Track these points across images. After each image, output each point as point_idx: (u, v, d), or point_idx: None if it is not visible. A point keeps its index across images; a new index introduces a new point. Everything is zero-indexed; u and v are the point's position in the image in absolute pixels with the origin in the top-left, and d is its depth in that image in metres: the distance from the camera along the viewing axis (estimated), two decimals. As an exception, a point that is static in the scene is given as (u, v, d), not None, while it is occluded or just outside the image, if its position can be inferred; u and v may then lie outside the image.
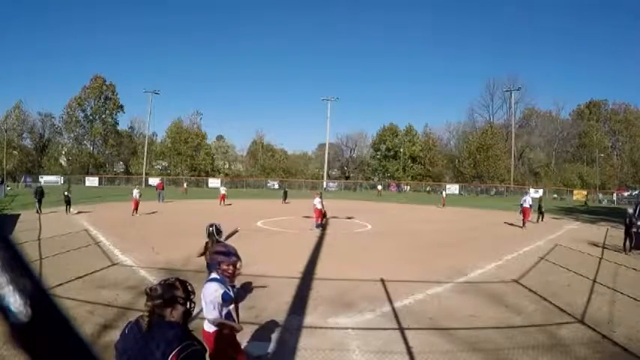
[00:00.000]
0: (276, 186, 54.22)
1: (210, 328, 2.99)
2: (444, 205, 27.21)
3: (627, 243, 11.20)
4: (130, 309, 5.35)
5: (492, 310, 5.92)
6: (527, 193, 21.66)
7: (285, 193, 28.19)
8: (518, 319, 5.59)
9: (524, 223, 16.47)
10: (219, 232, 5.24)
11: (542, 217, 18.59)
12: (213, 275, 3.05)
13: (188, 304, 1.97)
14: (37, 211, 16.11)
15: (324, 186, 51.53)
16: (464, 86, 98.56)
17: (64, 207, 17.07)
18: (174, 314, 1.92)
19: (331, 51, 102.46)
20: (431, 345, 4.66)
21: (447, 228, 15.99)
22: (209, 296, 2.93)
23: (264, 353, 4.37)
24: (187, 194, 33.26)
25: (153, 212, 18.58)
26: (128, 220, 15.74)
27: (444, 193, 30.55)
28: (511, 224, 17.36)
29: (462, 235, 13.90)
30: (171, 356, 1.75)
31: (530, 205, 17.01)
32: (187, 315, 1.98)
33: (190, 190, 40.71)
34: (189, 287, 2.02)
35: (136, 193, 17.92)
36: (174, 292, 1.96)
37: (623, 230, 11.93)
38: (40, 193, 16.66)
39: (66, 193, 17.48)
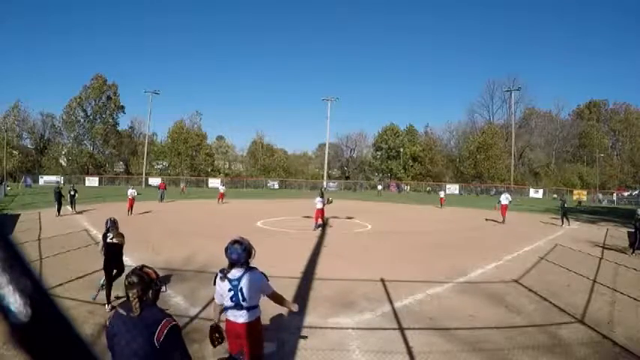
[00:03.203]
0: (276, 186, 54.24)
1: (251, 317, 2.98)
2: (442, 205, 27.16)
3: (636, 243, 10.96)
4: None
5: (492, 310, 5.92)
6: (504, 191, 23.35)
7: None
8: (518, 319, 5.60)
9: (502, 218, 17.89)
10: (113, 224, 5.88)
11: (565, 220, 17.67)
12: (252, 265, 3.09)
13: (158, 285, 2.34)
14: (59, 213, 15.92)
15: (325, 185, 51.50)
16: (464, 86, 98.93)
17: (70, 205, 17.25)
18: (151, 296, 2.27)
19: (331, 51, 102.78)
20: (431, 345, 4.66)
21: (447, 228, 15.99)
22: (259, 283, 3.01)
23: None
24: (186, 194, 33.13)
25: (153, 212, 18.57)
26: (128, 220, 15.73)
27: (441, 193, 30.23)
28: (493, 220, 17.91)
29: (462, 235, 13.90)
30: (160, 327, 2.10)
31: (508, 202, 18.45)
32: (158, 295, 2.35)
33: (190, 190, 40.70)
34: (156, 272, 2.39)
35: (130, 192, 17.88)
36: (150, 277, 2.29)
37: (627, 230, 11.82)
38: (59, 194, 16.33)
39: (71, 192, 17.57)
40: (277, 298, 3.17)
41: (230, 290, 2.94)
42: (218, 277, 3.02)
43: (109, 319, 2.26)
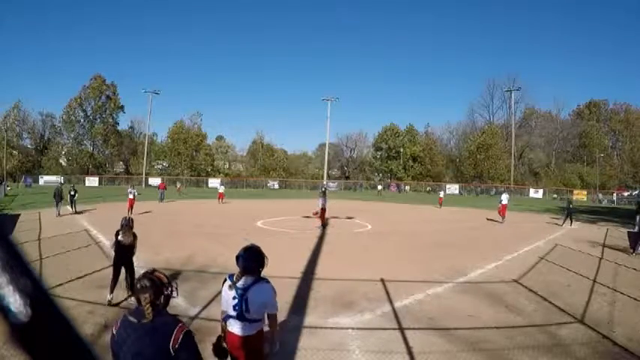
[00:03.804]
0: (276, 186, 54.23)
1: (251, 330, 2.83)
2: (440, 205, 27.12)
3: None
4: (130, 309, 5.34)
5: (492, 310, 5.92)
6: (504, 191, 23.27)
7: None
8: (518, 319, 5.59)
9: (502, 218, 18.09)
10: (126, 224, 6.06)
11: (567, 221, 17.58)
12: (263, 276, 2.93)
13: (169, 290, 2.24)
14: (59, 214, 15.97)
15: (325, 185, 51.50)
16: (464, 86, 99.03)
17: (70, 206, 17.26)
18: (162, 301, 2.17)
19: (331, 51, 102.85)
20: (431, 345, 4.66)
21: (447, 228, 15.99)
22: (269, 298, 2.86)
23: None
24: (182, 194, 32.92)
25: (153, 212, 18.57)
26: (128, 220, 15.72)
27: (441, 193, 30.07)
28: (493, 220, 18.11)
29: (462, 235, 13.90)
30: (174, 333, 2.03)
31: (499, 202, 18.76)
32: (169, 300, 2.26)
33: (190, 189, 40.67)
34: (167, 276, 2.30)
35: (130, 192, 17.92)
36: (162, 282, 2.20)
37: (627, 230, 11.81)
38: (59, 195, 16.33)
39: (71, 192, 17.56)
40: (273, 323, 2.97)
41: (235, 299, 2.79)
42: (226, 284, 2.88)
43: (114, 325, 2.16)
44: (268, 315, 2.94)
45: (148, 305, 2.08)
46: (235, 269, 2.90)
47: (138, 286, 2.16)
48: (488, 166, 56.25)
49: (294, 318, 5.40)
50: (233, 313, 2.82)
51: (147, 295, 2.10)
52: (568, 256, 10.24)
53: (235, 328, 2.82)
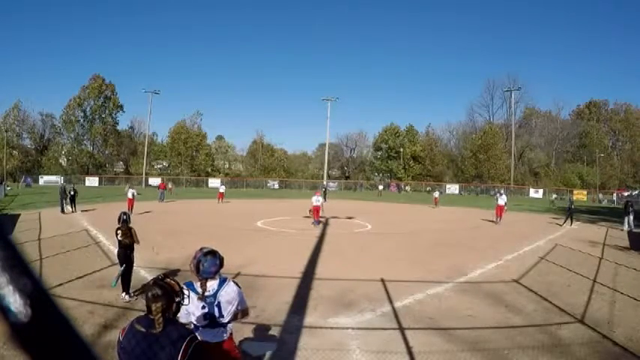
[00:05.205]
0: (276, 186, 54.24)
1: (227, 334, 2.74)
2: (436, 205, 26.99)
3: None
4: (130, 309, 5.35)
5: (492, 310, 5.92)
6: (500, 192, 23.21)
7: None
8: (518, 319, 5.59)
9: (498, 219, 17.70)
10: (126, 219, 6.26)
11: (568, 221, 17.64)
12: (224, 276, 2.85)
13: (181, 298, 2.15)
14: (62, 211, 16.34)
15: (325, 184, 51.49)
16: (464, 86, 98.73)
17: (70, 205, 17.38)
18: (173, 310, 2.08)
19: (331, 51, 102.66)
20: (431, 345, 4.66)
21: (447, 228, 15.99)
22: (240, 296, 2.79)
23: (263, 353, 4.37)
24: (173, 194, 32.67)
25: (153, 212, 18.57)
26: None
27: (436, 193, 29.63)
28: (492, 221, 18.12)
29: (462, 235, 13.90)
30: (184, 345, 1.94)
31: (504, 203, 17.95)
32: (179, 308, 2.16)
33: (189, 189, 40.58)
34: (179, 283, 2.21)
35: (130, 192, 17.99)
36: (172, 289, 2.11)
37: (627, 230, 11.87)
38: (63, 193, 16.68)
39: (71, 192, 17.68)
40: (245, 314, 2.91)
41: (204, 307, 2.65)
42: (188, 294, 2.61)
43: (121, 332, 2.09)
44: (242, 310, 2.87)
45: (159, 315, 1.98)
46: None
47: (149, 294, 2.05)
48: (488, 166, 56.25)
49: (294, 318, 5.40)
50: (204, 322, 2.68)
51: (159, 305, 1.99)
52: (568, 256, 10.23)
53: (208, 336, 2.67)
